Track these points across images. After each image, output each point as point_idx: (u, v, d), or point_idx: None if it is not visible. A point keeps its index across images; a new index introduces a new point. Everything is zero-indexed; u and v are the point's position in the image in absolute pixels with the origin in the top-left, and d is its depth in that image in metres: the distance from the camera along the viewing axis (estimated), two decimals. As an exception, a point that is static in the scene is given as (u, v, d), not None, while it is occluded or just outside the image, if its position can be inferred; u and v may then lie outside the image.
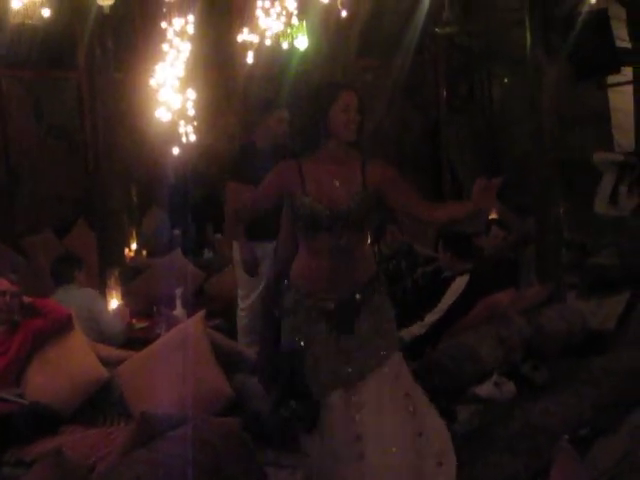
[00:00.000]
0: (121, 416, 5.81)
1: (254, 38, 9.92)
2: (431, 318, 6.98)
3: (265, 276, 6.68)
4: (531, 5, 8.31)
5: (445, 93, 15.30)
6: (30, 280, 8.82)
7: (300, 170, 4.39)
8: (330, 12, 8.82)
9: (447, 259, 7.43)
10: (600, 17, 10.89)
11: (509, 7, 12.95)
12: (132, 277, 9.31)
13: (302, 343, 4.37)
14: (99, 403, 6.01)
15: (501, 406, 5.87)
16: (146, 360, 5.94)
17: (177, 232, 11.60)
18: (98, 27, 8.55)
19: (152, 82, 9.62)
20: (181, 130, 10.04)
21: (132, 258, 11.18)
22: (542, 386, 6.21)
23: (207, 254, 11.52)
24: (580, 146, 12.49)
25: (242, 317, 7.30)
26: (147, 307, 8.14)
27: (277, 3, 9.47)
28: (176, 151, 10.22)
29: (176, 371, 5.56)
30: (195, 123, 10.32)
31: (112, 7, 8.30)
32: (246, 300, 7.23)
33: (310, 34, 9.61)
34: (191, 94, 9.97)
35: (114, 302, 8.11)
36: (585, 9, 10.00)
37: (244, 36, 10.02)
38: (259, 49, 9.96)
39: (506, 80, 15.26)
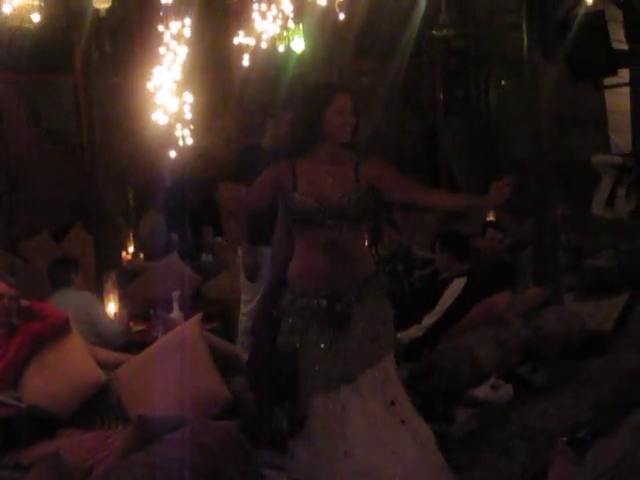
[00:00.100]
0: (119, 419, 5.80)
1: (250, 41, 9.93)
2: (429, 320, 6.98)
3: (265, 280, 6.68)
4: (528, 7, 8.31)
5: (442, 96, 15.31)
6: (27, 283, 8.81)
7: (293, 169, 4.44)
8: (327, 15, 8.81)
9: (444, 261, 7.42)
10: (597, 19, 10.91)
11: (506, 9, 12.97)
12: (129, 280, 9.31)
13: (297, 345, 4.37)
14: (97, 406, 6.01)
15: (499, 408, 5.86)
16: (143, 363, 5.94)
17: (175, 236, 11.58)
18: (95, 30, 8.55)
19: (149, 85, 9.62)
20: (178, 133, 10.04)
21: (129, 261, 11.18)
22: (540, 388, 6.21)
23: (205, 257, 11.52)
24: (578, 148, 12.50)
25: (244, 321, 7.28)
26: (144, 310, 8.14)
27: (273, 6, 9.47)
28: (173, 154, 10.22)
29: (173, 374, 5.55)
30: (192, 126, 10.32)
31: (109, 10, 8.30)
32: (249, 305, 7.22)
33: (307, 37, 9.60)
34: (188, 97, 9.98)
35: (111, 305, 8.10)
36: (582, 11, 10.02)
37: (240, 39, 10.03)
38: (255, 52, 9.97)
39: (503, 82, 15.28)
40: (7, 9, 8.22)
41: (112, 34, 9.47)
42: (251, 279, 6.97)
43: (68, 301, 7.03)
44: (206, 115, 11.93)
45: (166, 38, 9.49)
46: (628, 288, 8.04)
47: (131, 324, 8.02)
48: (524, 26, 8.34)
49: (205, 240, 12.19)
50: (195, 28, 9.69)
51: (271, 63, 10.79)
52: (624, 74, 12.38)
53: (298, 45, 9.85)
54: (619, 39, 11.73)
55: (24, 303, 6.21)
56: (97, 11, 8.26)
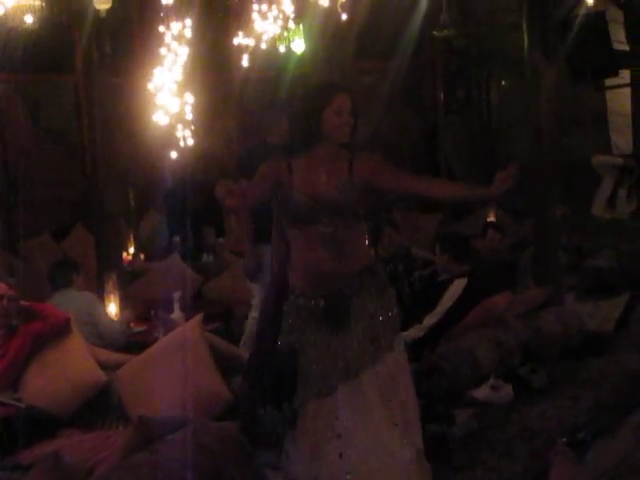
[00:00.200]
0: (119, 420, 5.81)
1: (249, 41, 9.93)
2: (429, 321, 6.98)
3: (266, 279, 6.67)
4: (529, 7, 8.31)
5: (443, 96, 15.31)
6: (28, 284, 8.80)
7: (289, 167, 4.45)
8: (329, 15, 8.81)
9: (444, 262, 7.42)
10: (598, 19, 10.92)
11: (507, 9, 12.96)
12: (130, 281, 9.32)
13: (295, 345, 4.38)
14: (97, 407, 6.01)
15: (499, 409, 5.87)
16: (144, 364, 5.94)
17: (176, 238, 11.57)
18: (95, 31, 8.55)
19: (150, 86, 9.62)
20: (179, 134, 10.04)
21: (130, 262, 11.18)
22: (540, 389, 6.21)
23: (206, 258, 11.52)
24: (578, 148, 12.50)
25: (251, 324, 7.26)
26: (145, 311, 8.14)
27: (274, 6, 9.48)
28: (174, 155, 10.21)
29: (174, 375, 5.56)
30: (193, 127, 10.32)
31: (109, 10, 8.30)
32: (258, 309, 7.21)
33: (307, 37, 9.61)
34: (189, 98, 9.97)
35: (112, 306, 8.11)
36: (583, 11, 10.02)
37: (239, 39, 10.03)
38: (255, 52, 9.97)
39: (504, 82, 15.28)
40: (0, 10, 8.22)
41: (113, 34, 9.46)
42: (251, 279, 6.98)
43: (69, 301, 7.04)
44: (207, 116, 11.93)
45: (167, 39, 9.49)
46: (628, 289, 8.04)
47: (132, 325, 8.02)
48: (525, 26, 8.34)
49: (206, 241, 12.18)
50: (196, 29, 9.69)
51: (272, 63, 10.80)
52: (625, 75, 12.39)
53: (298, 46, 9.86)
54: (620, 40, 11.73)
55: (24, 303, 6.22)
56: (98, 11, 8.25)
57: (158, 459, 3.77)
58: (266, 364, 4.59)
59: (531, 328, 6.83)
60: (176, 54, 9.51)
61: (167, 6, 9.00)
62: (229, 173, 13.47)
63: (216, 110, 13.24)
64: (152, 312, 7.82)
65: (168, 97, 9.43)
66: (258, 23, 9.64)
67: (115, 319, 7.90)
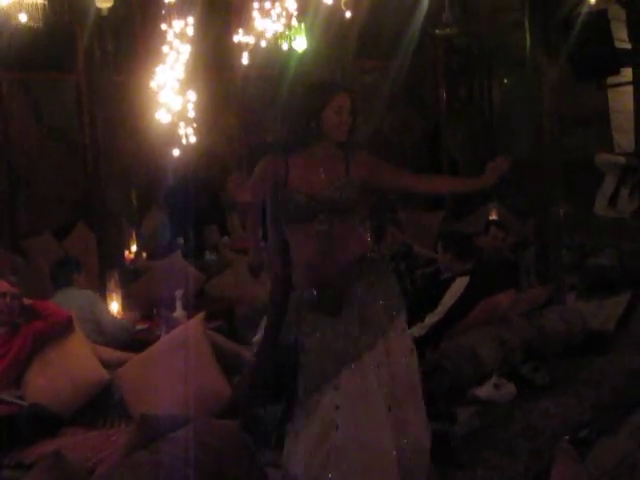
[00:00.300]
0: (121, 418, 5.80)
1: (249, 39, 9.93)
2: (431, 319, 6.97)
3: None
4: (531, 6, 8.30)
5: (445, 94, 15.32)
6: (30, 282, 8.81)
7: (286, 165, 4.46)
8: (331, 13, 8.80)
9: (447, 260, 7.41)
10: (600, 18, 10.92)
11: (508, 8, 12.96)
12: (132, 279, 9.31)
13: (293, 339, 4.40)
14: (99, 405, 6.01)
15: (501, 407, 5.86)
16: (146, 362, 5.94)
17: (180, 238, 11.56)
18: (97, 29, 8.55)
19: (152, 84, 9.62)
20: (181, 132, 10.04)
21: (132, 260, 11.17)
22: (542, 387, 6.21)
23: (208, 256, 11.52)
24: (580, 147, 12.51)
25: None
26: (147, 309, 8.13)
27: (277, 4, 9.48)
28: (176, 152, 10.21)
29: (176, 373, 5.56)
30: (195, 125, 10.32)
31: (112, 9, 8.30)
32: None
33: (309, 35, 9.60)
34: (192, 96, 9.97)
35: (114, 304, 8.11)
36: (585, 10, 10.01)
37: (239, 37, 10.03)
38: (257, 50, 9.97)
39: (506, 81, 15.28)
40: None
41: (115, 33, 9.46)
42: (255, 276, 6.98)
43: (71, 299, 7.04)
44: (209, 114, 11.94)
45: (169, 37, 9.50)
46: (630, 287, 8.03)
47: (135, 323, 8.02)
48: (527, 24, 8.32)
49: (209, 239, 12.18)
50: (198, 27, 9.70)
51: (273, 61, 10.80)
52: (627, 73, 12.39)
53: (300, 44, 9.86)
54: (622, 38, 11.73)
55: (26, 302, 6.22)
56: (99, 10, 8.26)
57: (160, 457, 3.77)
58: (268, 360, 4.60)
59: (534, 326, 6.82)
60: (178, 52, 9.52)
61: (169, 4, 9.02)
62: (230, 171, 13.52)
63: (218, 108, 13.25)
64: (154, 310, 7.81)
65: (170, 95, 9.43)
66: (258, 21, 9.65)
67: (118, 317, 7.90)
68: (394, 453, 4.28)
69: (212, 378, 5.66)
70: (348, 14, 8.86)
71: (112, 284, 8.21)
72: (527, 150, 8.97)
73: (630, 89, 12.81)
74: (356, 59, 10.77)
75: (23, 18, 8.30)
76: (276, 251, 4.81)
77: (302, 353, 4.37)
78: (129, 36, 12.20)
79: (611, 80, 12.71)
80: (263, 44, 10.00)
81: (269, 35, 9.72)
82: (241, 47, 10.28)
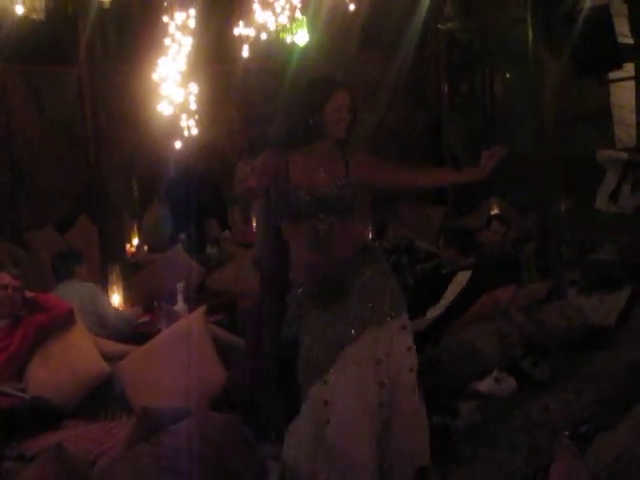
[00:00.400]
0: (123, 411, 5.81)
1: (250, 32, 9.92)
2: (433, 314, 6.98)
3: None
4: (533, 1, 8.30)
5: (447, 89, 15.31)
6: (32, 275, 8.81)
7: (287, 161, 4.47)
8: (336, 6, 8.81)
9: (449, 255, 7.42)
10: (602, 13, 10.89)
11: (511, 3, 12.96)
12: (133, 272, 9.31)
13: (293, 333, 4.42)
14: (101, 398, 6.01)
15: (502, 402, 5.87)
16: (147, 355, 5.95)
17: (182, 234, 11.55)
18: (99, 21, 8.54)
19: (154, 76, 9.62)
20: (183, 124, 10.05)
21: (133, 253, 11.18)
22: (542, 382, 6.21)
23: (209, 249, 11.52)
24: (582, 142, 12.51)
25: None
26: (148, 302, 8.14)
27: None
28: (178, 145, 10.21)
29: (177, 366, 5.57)
30: (196, 117, 10.32)
31: (114, 1, 8.31)
32: None
33: (312, 29, 9.61)
34: (193, 88, 9.98)
35: (115, 297, 8.11)
36: (587, 5, 9.99)
37: (240, 29, 10.02)
38: (258, 43, 9.97)
39: (507, 76, 15.27)
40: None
41: (117, 25, 9.46)
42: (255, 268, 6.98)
43: (73, 292, 7.04)
44: (211, 106, 11.95)
45: (171, 29, 9.50)
46: (631, 283, 8.04)
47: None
48: (529, 19, 8.33)
49: (209, 233, 12.18)
50: (200, 19, 9.70)
51: (275, 54, 10.80)
52: (629, 68, 12.38)
53: (302, 37, 9.86)
54: (624, 33, 11.73)
55: (28, 294, 6.23)
56: (101, 2, 8.25)
57: (161, 450, 3.78)
58: (268, 355, 4.62)
59: (534, 321, 6.83)
60: (180, 44, 9.53)
61: (171, -4, 9.02)
62: (232, 164, 13.52)
63: (219, 101, 13.25)
64: (155, 303, 7.81)
65: (172, 87, 9.44)
66: (259, 13, 9.64)
67: (119, 309, 7.91)
68: (373, 456, 4.29)
69: (213, 371, 5.67)
70: (351, 7, 8.87)
71: (113, 277, 8.22)
72: (528, 145, 8.97)
73: (632, 84, 12.81)
74: (359, 53, 10.78)
75: (20, 10, 8.31)
76: (268, 249, 4.81)
77: (304, 347, 4.39)
78: (131, 28, 12.18)
79: (613, 75, 12.70)
80: (264, 37, 10.00)
81: (273, 28, 9.71)
82: (242, 40, 10.27)
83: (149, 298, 8.15)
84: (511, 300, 6.87)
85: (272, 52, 10.76)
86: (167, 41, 9.54)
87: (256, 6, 9.76)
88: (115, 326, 7.25)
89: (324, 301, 4.40)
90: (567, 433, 4.92)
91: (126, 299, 8.19)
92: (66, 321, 6.16)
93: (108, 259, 8.46)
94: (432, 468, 4.47)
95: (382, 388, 4.34)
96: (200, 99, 10.38)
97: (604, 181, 11.68)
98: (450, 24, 13.98)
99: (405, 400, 4.42)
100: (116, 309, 7.73)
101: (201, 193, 11.72)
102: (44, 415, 5.54)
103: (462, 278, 7.08)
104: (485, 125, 15.59)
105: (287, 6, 9.72)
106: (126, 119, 10.23)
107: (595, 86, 12.82)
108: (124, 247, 9.79)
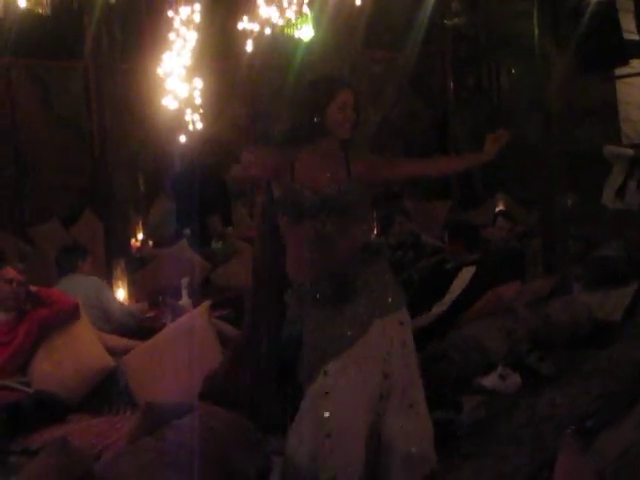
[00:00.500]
0: (127, 405, 5.81)
1: (254, 26, 9.91)
2: (438, 309, 6.97)
3: None
4: (539, -4, 8.29)
5: (453, 84, 15.30)
6: (36, 269, 8.82)
7: (292, 158, 4.45)
8: (341, 2, 8.79)
9: (454, 251, 7.41)
10: (608, 8, 10.87)
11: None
12: (138, 267, 9.31)
13: (295, 332, 4.41)
14: (105, 392, 6.02)
15: (507, 397, 5.87)
16: (152, 349, 5.95)
17: (187, 230, 11.54)
18: (105, 16, 8.53)
19: (159, 71, 9.62)
20: (187, 118, 10.04)
21: (138, 248, 11.18)
22: (548, 377, 6.21)
23: (214, 244, 11.51)
24: (588, 138, 12.49)
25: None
26: (153, 297, 8.14)
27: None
28: (183, 139, 10.21)
29: (182, 360, 5.57)
30: (201, 111, 10.32)
31: (119, -4, 8.30)
32: None
33: (317, 24, 9.59)
34: (198, 83, 9.97)
35: (120, 292, 8.12)
36: (593, 0, 9.97)
37: (244, 24, 10.01)
38: (263, 38, 9.96)
39: (514, 71, 15.25)
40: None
41: (123, 19, 9.44)
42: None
43: (77, 286, 7.05)
44: (216, 101, 11.94)
45: (176, 24, 9.49)
46: (637, 278, 8.03)
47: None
48: (535, 14, 8.31)
49: (214, 228, 12.17)
50: (204, 14, 9.69)
51: (281, 49, 10.79)
52: (635, 64, 12.36)
53: (307, 33, 9.85)
54: (630, 29, 11.69)
55: (32, 289, 6.23)
56: (108, -3, 8.26)
57: (165, 444, 3.78)
58: (265, 355, 4.60)
59: (540, 317, 6.83)
60: (185, 39, 9.52)
61: (176, -9, 9.02)
62: (237, 159, 13.50)
63: (225, 95, 13.24)
64: (160, 298, 7.82)
65: (177, 82, 9.43)
66: (263, 8, 9.63)
67: (125, 304, 7.91)
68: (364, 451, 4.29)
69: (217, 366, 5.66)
70: (358, 2, 8.85)
71: (118, 272, 8.22)
72: (534, 139, 8.95)
73: (638, 80, 12.79)
74: (365, 48, 10.77)
75: (22, 3, 8.30)
76: (266, 249, 4.79)
77: (306, 344, 4.38)
78: (137, 23, 12.18)
79: (619, 71, 12.69)
80: (268, 32, 9.99)
81: (282, 23, 9.71)
82: (246, 34, 10.26)
83: (154, 293, 8.16)
84: (516, 296, 6.86)
85: (277, 47, 10.75)
86: (172, 36, 9.54)
87: (260, 1, 9.75)
88: (120, 321, 7.26)
89: (325, 300, 4.39)
90: (572, 428, 4.91)
91: (131, 294, 8.20)
92: (70, 315, 6.16)
93: (113, 254, 8.46)
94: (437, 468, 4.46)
95: (386, 379, 4.33)
96: (205, 94, 10.38)
97: (610, 177, 11.66)
98: (456, 19, 13.96)
99: (398, 395, 4.40)
100: (121, 304, 7.74)
101: (206, 188, 11.72)
102: (48, 409, 5.54)
103: (467, 274, 7.07)
104: (491, 120, 15.56)
105: (295, 0, 9.70)
106: (131, 114, 10.22)
107: (601, 82, 12.81)
108: (129, 242, 9.80)
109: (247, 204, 12.99)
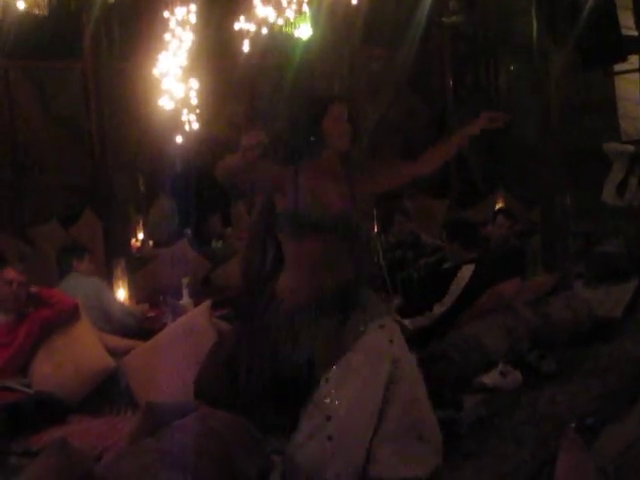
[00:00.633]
0: (128, 406, 5.80)
1: (250, 26, 9.91)
2: (439, 309, 6.96)
3: None
4: (538, -8, 8.29)
5: (451, 82, 15.29)
6: (36, 270, 8.82)
7: (296, 176, 4.43)
8: (338, 0, 8.78)
9: (453, 250, 7.41)
10: (607, 5, 10.87)
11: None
12: (138, 267, 9.31)
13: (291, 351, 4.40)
14: (106, 393, 6.01)
15: (507, 395, 5.86)
16: (153, 350, 5.94)
17: (188, 231, 11.54)
18: (103, 16, 8.53)
19: (155, 71, 9.61)
20: (184, 118, 10.04)
21: (138, 248, 11.18)
22: (548, 375, 6.20)
23: (214, 244, 11.52)
24: (587, 134, 12.48)
25: None
26: (153, 297, 8.14)
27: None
28: (179, 139, 10.20)
29: (183, 360, 5.56)
30: (198, 111, 10.31)
31: (117, -4, 8.30)
32: None
33: (315, 23, 9.58)
34: (194, 83, 9.96)
35: (121, 292, 8.12)
36: (591, -4, 9.98)
37: (240, 24, 10.00)
38: (259, 37, 9.95)
39: (512, 68, 15.24)
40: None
41: (121, 20, 9.45)
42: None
43: (78, 286, 7.05)
44: (213, 101, 11.94)
45: (172, 24, 9.49)
46: (637, 275, 8.03)
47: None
48: (534, 11, 8.31)
49: (213, 228, 12.17)
50: (201, 14, 9.69)
51: (279, 49, 10.78)
52: (634, 61, 12.36)
53: (305, 32, 9.84)
54: (629, 25, 11.69)
55: (33, 289, 6.22)
56: (106, -2, 8.26)
57: (166, 445, 3.77)
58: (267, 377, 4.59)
59: (540, 314, 6.82)
60: (180, 40, 9.51)
61: (172, -9, 9.01)
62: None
63: (222, 95, 13.23)
64: (161, 298, 7.82)
65: (173, 82, 9.43)
66: (260, 8, 9.62)
67: (125, 304, 7.91)
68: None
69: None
70: (354, 1, 8.84)
71: (119, 272, 8.22)
72: (534, 137, 8.95)
73: (637, 76, 12.77)
74: (362, 47, 10.76)
75: (21, 5, 8.30)
76: (257, 250, 4.79)
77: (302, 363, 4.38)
78: (134, 23, 12.17)
79: (618, 67, 12.68)
80: (264, 31, 9.98)
81: (281, 22, 9.70)
82: (242, 34, 10.26)
83: (154, 293, 8.16)
84: (516, 293, 6.86)
85: (276, 45, 10.74)
86: (168, 36, 9.53)
87: (257, 1, 9.74)
88: (120, 321, 7.26)
89: (322, 315, 4.38)
90: (573, 426, 4.90)
91: (131, 294, 8.19)
92: (71, 316, 6.16)
93: (113, 254, 8.47)
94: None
95: (394, 364, 4.33)
96: (202, 94, 10.37)
97: (610, 174, 11.66)
98: (454, 17, 13.94)
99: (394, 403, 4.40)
100: (121, 304, 7.74)
101: (205, 188, 11.72)
102: (49, 410, 5.54)
103: (466, 272, 7.06)
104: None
105: (294, 0, 9.70)
106: (129, 114, 10.21)
107: (600, 78, 12.80)
108: (129, 242, 9.81)
109: (247, 203, 12.99)
